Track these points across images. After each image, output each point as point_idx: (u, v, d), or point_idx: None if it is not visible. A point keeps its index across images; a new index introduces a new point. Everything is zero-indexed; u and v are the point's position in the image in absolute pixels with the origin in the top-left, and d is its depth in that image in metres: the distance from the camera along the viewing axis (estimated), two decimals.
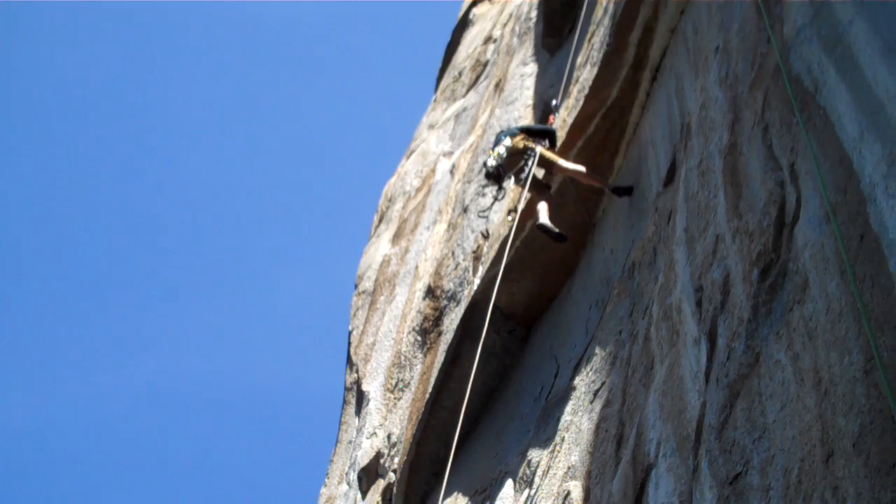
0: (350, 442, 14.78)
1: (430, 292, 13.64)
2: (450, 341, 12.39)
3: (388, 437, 13.23)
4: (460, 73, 19.84)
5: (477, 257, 12.91)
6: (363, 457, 13.65)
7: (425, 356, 13.16)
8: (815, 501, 4.35)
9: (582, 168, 10.93)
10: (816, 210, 5.04)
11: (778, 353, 5.13)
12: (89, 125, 64.04)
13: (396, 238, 16.98)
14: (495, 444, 11.08)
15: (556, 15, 15.34)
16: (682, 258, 7.12)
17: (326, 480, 15.20)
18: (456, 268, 13.34)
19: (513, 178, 11.18)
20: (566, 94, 12.49)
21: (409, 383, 13.36)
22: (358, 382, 15.13)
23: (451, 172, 16.15)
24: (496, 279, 10.98)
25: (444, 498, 10.94)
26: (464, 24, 22.07)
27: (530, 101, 14.54)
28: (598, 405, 8.26)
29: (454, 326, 12.46)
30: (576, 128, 11.41)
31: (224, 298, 61.97)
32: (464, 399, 10.92)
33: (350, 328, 16.88)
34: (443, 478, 11.84)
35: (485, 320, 10.67)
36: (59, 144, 62.72)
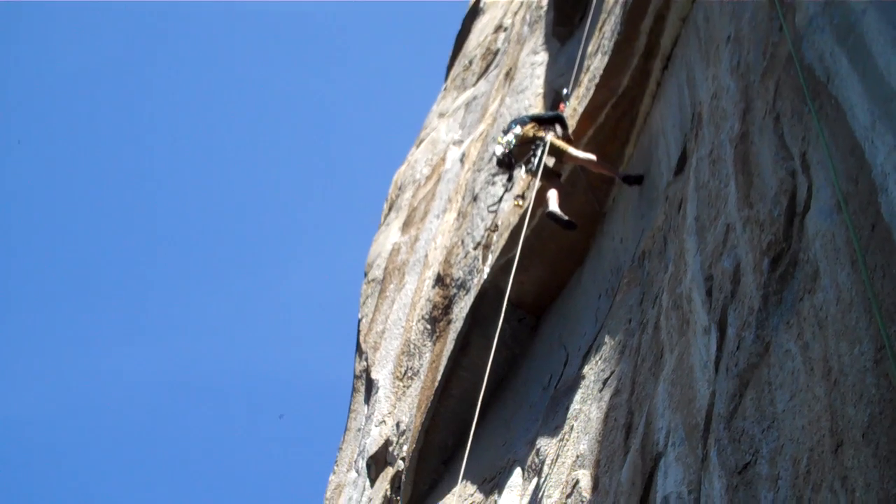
0: (359, 430, 14.81)
1: (440, 280, 13.65)
2: (459, 329, 12.40)
3: (397, 425, 13.26)
4: (471, 62, 19.81)
5: (487, 246, 12.91)
6: (372, 444, 13.68)
7: (434, 344, 13.17)
8: (824, 491, 4.35)
9: (592, 157, 10.92)
10: (828, 199, 5.03)
11: (788, 343, 5.13)
12: (94, 107, 64.17)
13: (406, 226, 16.99)
14: (504, 432, 11.10)
15: (566, 3, 15.30)
16: (692, 247, 7.11)
17: (335, 468, 15.24)
18: (466, 256, 13.34)
19: (523, 167, 11.19)
20: (577, 82, 12.46)
21: (418, 371, 13.38)
22: (367, 370, 15.15)
23: (461, 161, 16.14)
24: (506, 267, 10.98)
25: (454, 485, 10.96)
26: (474, 12, 22.04)
27: (541, 90, 14.52)
28: (607, 394, 8.27)
29: (464, 315, 12.47)
30: (586, 117, 11.39)
31: (233, 286, 62.11)
32: (473, 387, 10.95)
33: (359, 316, 16.90)
34: (451, 466, 11.87)
35: (494, 309, 10.69)
36: (63, 127, 62.87)
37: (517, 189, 12.20)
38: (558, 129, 11.43)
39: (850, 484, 4.16)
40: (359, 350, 16.09)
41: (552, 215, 10.74)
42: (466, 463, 10.07)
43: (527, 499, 9.09)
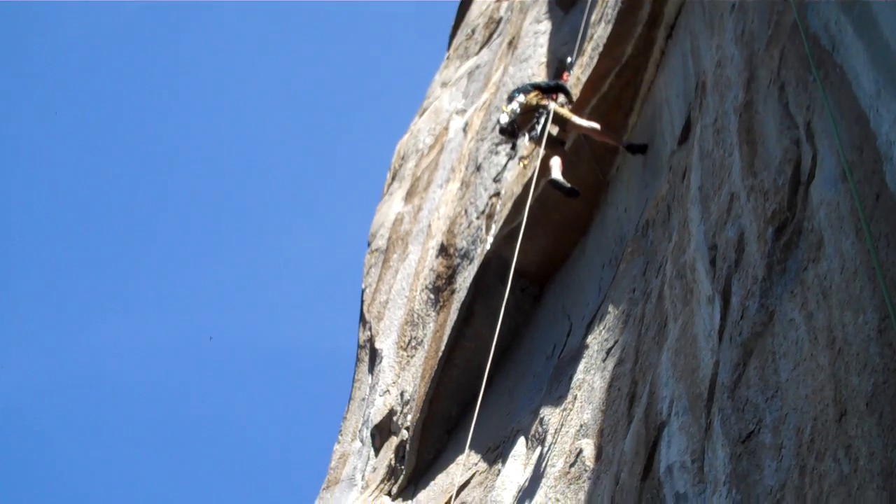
0: (363, 399, 14.86)
1: (443, 250, 13.66)
2: (462, 299, 12.42)
3: (401, 394, 13.30)
4: (473, 31, 19.72)
5: (490, 216, 12.91)
6: (376, 414, 13.73)
7: (438, 314, 13.19)
8: (828, 460, 4.36)
9: (596, 125, 10.90)
10: (832, 169, 5.02)
11: (792, 312, 5.13)
12: (99, 81, 64.00)
13: (409, 196, 16.97)
14: (508, 402, 11.13)
15: None
16: (696, 216, 7.10)
17: (340, 437, 15.30)
18: (469, 226, 13.34)
19: (526, 136, 11.17)
20: (580, 51, 12.41)
21: (421, 341, 13.41)
22: (371, 340, 15.19)
23: (464, 130, 16.10)
24: (509, 237, 10.98)
25: (459, 454, 11.01)
26: None
27: (544, 59, 14.46)
28: (610, 363, 8.28)
29: (467, 285, 12.49)
30: (590, 86, 11.35)
31: (236, 257, 62.10)
32: (477, 357, 10.97)
33: (363, 286, 16.92)
34: (455, 435, 11.92)
35: (498, 278, 10.69)
36: (72, 101, 62.73)
37: (522, 153, 12.19)
38: (562, 97, 11.40)
39: (853, 453, 4.18)
40: (362, 320, 16.12)
41: (555, 183, 10.73)
42: (471, 433, 10.10)
43: (531, 468, 9.13)
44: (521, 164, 11.70)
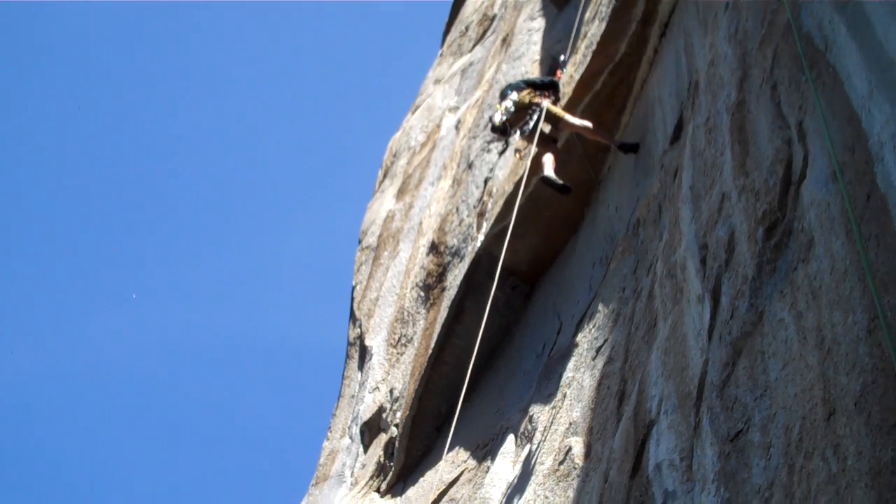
0: (353, 396, 14.85)
1: (434, 248, 13.65)
2: (453, 297, 12.42)
3: (391, 391, 13.29)
4: (467, 28, 19.71)
5: (481, 213, 12.90)
6: (366, 411, 13.72)
7: (428, 312, 13.18)
8: (816, 459, 4.36)
9: (589, 124, 10.90)
10: (823, 169, 5.02)
11: (781, 312, 5.13)
12: (101, 68, 63.88)
13: (401, 193, 16.96)
14: (497, 399, 11.13)
15: None
16: (687, 216, 7.10)
17: (329, 434, 15.29)
18: (460, 224, 13.33)
19: (519, 133, 11.16)
20: (574, 49, 12.41)
21: (411, 339, 13.40)
22: (361, 337, 15.17)
23: (457, 128, 16.09)
24: (500, 235, 10.97)
25: (448, 451, 11.00)
26: None
27: (537, 57, 14.46)
28: (600, 362, 8.28)
29: (458, 282, 12.48)
30: (583, 84, 11.35)
31: (228, 253, 62.08)
32: (467, 354, 10.94)
33: (353, 283, 16.90)
34: (444, 432, 11.90)
35: (488, 276, 10.68)
36: (73, 96, 62.57)
37: (517, 146, 12.18)
38: (554, 95, 11.40)
39: (842, 452, 4.17)
40: (353, 317, 16.10)
41: (547, 179, 10.73)
42: (460, 430, 10.10)
43: (519, 465, 9.13)
44: (518, 156, 11.70)
